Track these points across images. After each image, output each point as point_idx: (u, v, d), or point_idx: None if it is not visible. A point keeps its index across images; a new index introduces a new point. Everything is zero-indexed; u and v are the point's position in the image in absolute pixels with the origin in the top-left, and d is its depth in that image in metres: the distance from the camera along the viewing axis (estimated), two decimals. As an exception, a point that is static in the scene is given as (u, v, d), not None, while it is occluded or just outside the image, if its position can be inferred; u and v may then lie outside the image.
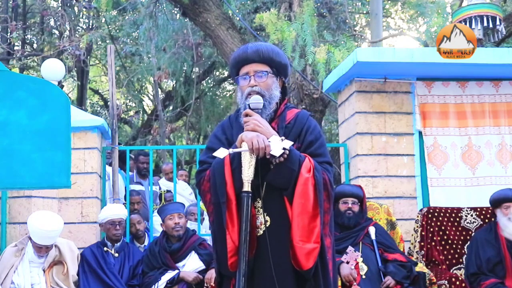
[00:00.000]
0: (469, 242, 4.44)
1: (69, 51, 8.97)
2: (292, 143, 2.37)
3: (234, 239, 2.34)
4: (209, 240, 4.64)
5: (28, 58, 11.67)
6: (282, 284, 2.32)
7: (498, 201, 4.29)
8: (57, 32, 11.13)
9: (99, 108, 14.34)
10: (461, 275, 4.27)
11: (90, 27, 11.54)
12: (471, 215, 4.58)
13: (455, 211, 4.59)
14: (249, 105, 2.45)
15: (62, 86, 11.96)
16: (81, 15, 11.78)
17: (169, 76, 10.16)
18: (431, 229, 4.48)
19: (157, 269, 4.30)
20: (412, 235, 4.60)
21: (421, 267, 4.08)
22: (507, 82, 5.09)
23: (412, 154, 4.94)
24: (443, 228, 4.51)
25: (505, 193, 4.30)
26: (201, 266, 4.33)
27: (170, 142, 14.16)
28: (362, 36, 9.68)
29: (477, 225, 4.54)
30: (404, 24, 12.42)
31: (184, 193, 6.88)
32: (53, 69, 5.47)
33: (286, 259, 2.34)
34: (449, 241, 4.49)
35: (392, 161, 4.91)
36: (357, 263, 3.93)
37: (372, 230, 4.09)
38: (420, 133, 4.97)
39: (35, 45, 12.78)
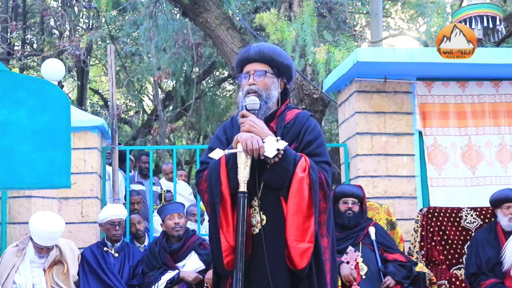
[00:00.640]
0: (469, 242, 4.44)
1: (69, 51, 8.97)
2: (286, 143, 2.38)
3: (228, 238, 2.35)
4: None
5: (28, 58, 11.67)
6: (276, 283, 2.33)
7: (499, 201, 4.29)
8: (57, 32, 11.13)
9: (99, 108, 14.34)
10: (461, 275, 4.27)
11: (90, 27, 11.54)
12: (471, 215, 4.58)
13: (455, 211, 4.59)
14: (245, 106, 2.47)
15: (62, 86, 11.96)
16: (81, 15, 11.77)
17: (169, 76, 10.16)
18: (431, 229, 4.48)
19: (157, 269, 4.30)
20: (412, 235, 4.60)
21: (421, 267, 4.08)
22: (507, 82, 5.09)
23: (412, 154, 4.94)
24: (443, 228, 4.51)
25: (506, 193, 4.29)
26: (201, 266, 4.32)
27: (170, 142, 14.16)
28: (362, 36, 9.68)
29: (477, 225, 4.54)
30: (404, 24, 12.43)
31: (184, 193, 6.89)
32: (53, 69, 5.47)
33: (281, 258, 2.35)
34: (449, 241, 4.49)
35: (392, 161, 4.91)
36: (357, 263, 3.93)
37: (372, 230, 4.09)
38: (420, 133, 4.97)
39: (35, 45, 12.78)
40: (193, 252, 4.39)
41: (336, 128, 10.05)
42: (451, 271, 4.38)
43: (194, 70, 11.88)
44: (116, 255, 4.43)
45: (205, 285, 4.16)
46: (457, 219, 4.56)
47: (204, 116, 12.50)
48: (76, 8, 11.18)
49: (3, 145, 2.95)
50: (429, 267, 4.30)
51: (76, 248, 4.39)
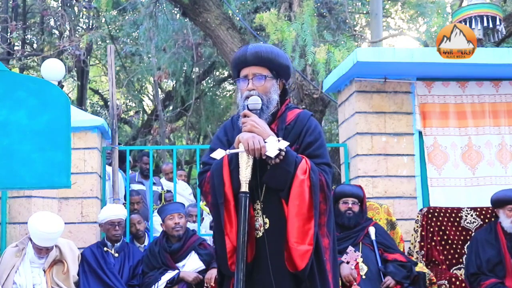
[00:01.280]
0: (469, 242, 4.43)
1: (69, 51, 8.97)
2: (288, 143, 2.37)
3: (232, 239, 2.36)
4: (209, 240, 4.65)
5: (28, 58, 11.67)
6: (280, 286, 2.33)
7: (502, 202, 4.27)
8: (57, 32, 11.13)
9: (99, 108, 14.34)
10: (461, 275, 4.26)
11: (90, 27, 11.54)
12: (471, 215, 4.57)
13: (455, 211, 4.59)
14: (247, 106, 2.46)
15: (62, 86, 11.96)
16: (81, 15, 11.77)
17: (169, 76, 10.16)
18: (431, 229, 4.48)
19: (157, 269, 4.30)
20: (412, 235, 4.60)
21: (421, 267, 4.08)
22: (507, 82, 5.09)
23: (412, 154, 4.94)
24: (443, 228, 4.51)
25: (510, 194, 4.28)
26: (201, 266, 4.32)
27: (170, 142, 14.16)
28: (362, 36, 9.68)
29: (477, 225, 4.54)
30: (404, 24, 12.42)
31: (184, 193, 6.88)
32: (53, 69, 5.47)
33: (284, 261, 2.35)
34: (449, 241, 4.49)
35: (392, 161, 4.91)
36: (357, 263, 3.93)
37: (372, 230, 4.09)
38: (420, 133, 4.97)
39: (35, 45, 12.78)
40: (193, 252, 4.39)
41: (336, 128, 10.05)
42: (451, 271, 4.38)
43: (194, 70, 11.88)
44: (116, 255, 4.43)
45: (205, 285, 4.16)
46: (457, 219, 4.56)
47: (204, 116, 12.49)
48: (76, 8, 11.18)
49: (3, 145, 2.95)
50: (429, 267, 4.30)
51: (76, 248, 4.39)
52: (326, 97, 7.09)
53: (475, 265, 4.21)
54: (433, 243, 4.45)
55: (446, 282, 4.00)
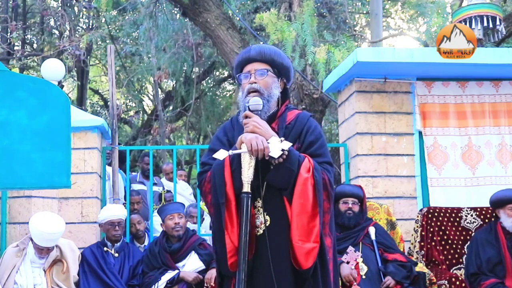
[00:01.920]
0: (469, 242, 4.43)
1: (69, 51, 8.96)
2: (291, 144, 2.38)
3: (233, 239, 2.36)
4: (209, 240, 4.65)
5: (28, 58, 11.67)
6: (281, 284, 2.34)
7: (502, 202, 4.26)
8: (57, 32, 11.13)
9: (99, 108, 14.34)
10: (461, 275, 4.26)
11: (90, 27, 11.54)
12: (471, 215, 4.57)
13: (455, 211, 4.59)
14: (248, 106, 2.46)
15: (62, 86, 11.96)
16: (81, 15, 11.77)
17: (169, 76, 10.16)
18: (431, 229, 4.48)
19: (157, 269, 4.30)
20: (412, 235, 4.60)
21: (421, 267, 4.08)
22: (507, 82, 5.09)
23: (412, 154, 4.94)
24: (443, 228, 4.51)
25: (509, 194, 4.28)
26: (201, 266, 4.32)
27: (170, 142, 14.15)
28: (362, 36, 9.68)
29: (477, 225, 4.54)
30: (404, 24, 12.42)
31: (185, 193, 6.89)
32: (53, 69, 5.47)
33: (286, 258, 2.35)
34: (449, 241, 4.49)
35: (392, 161, 4.91)
36: (357, 263, 3.93)
37: (372, 230, 4.09)
38: (420, 133, 4.97)
39: (35, 45, 12.78)
40: (193, 252, 4.39)
41: (336, 128, 10.05)
42: (451, 271, 4.38)
43: (194, 70, 11.88)
44: (116, 255, 4.43)
45: (205, 285, 4.16)
46: (457, 219, 4.56)
47: (204, 116, 12.49)
48: (76, 8, 11.18)
49: (3, 145, 2.95)
50: (429, 267, 4.30)
51: (77, 248, 4.39)
52: (326, 97, 7.09)
53: (475, 265, 4.21)
54: (433, 243, 4.45)
55: (446, 282, 4.00)
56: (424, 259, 4.40)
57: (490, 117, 5.03)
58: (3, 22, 10.00)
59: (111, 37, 11.29)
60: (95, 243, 4.55)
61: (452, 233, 4.51)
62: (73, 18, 10.54)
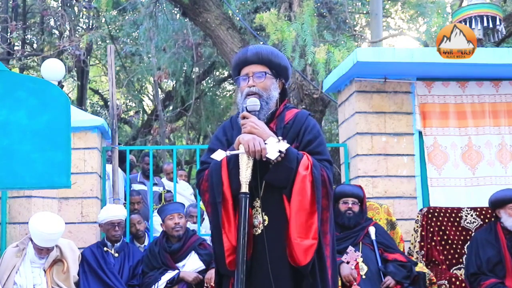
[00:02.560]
0: (469, 242, 4.43)
1: (69, 51, 8.97)
2: (288, 145, 2.38)
3: (230, 238, 2.36)
4: (209, 240, 4.64)
5: (28, 58, 11.67)
6: (279, 282, 2.34)
7: (502, 202, 4.26)
8: (57, 32, 11.12)
9: (99, 108, 14.34)
10: (461, 275, 4.26)
11: (90, 27, 11.54)
12: (471, 215, 4.58)
13: (455, 211, 4.59)
14: (246, 107, 2.47)
15: (62, 86, 11.96)
16: (81, 15, 11.77)
17: (169, 76, 10.16)
18: (431, 229, 4.48)
19: (157, 269, 4.30)
20: (412, 235, 4.60)
21: (421, 267, 4.08)
22: (507, 82, 5.09)
23: (412, 154, 4.94)
24: (443, 228, 4.51)
25: (509, 194, 4.28)
26: (201, 266, 4.33)
27: (170, 142, 14.15)
28: (362, 36, 9.68)
29: (477, 225, 4.54)
30: (404, 24, 12.43)
31: (185, 193, 6.88)
32: (53, 69, 5.47)
33: (284, 257, 2.36)
34: (449, 241, 4.49)
35: (392, 161, 4.91)
36: (357, 263, 3.93)
37: (372, 230, 4.09)
38: (420, 133, 4.97)
39: (35, 45, 12.78)
40: (193, 252, 4.39)
41: (336, 128, 10.05)
42: (451, 271, 4.38)
43: (194, 70, 11.88)
44: (116, 255, 4.43)
45: (205, 285, 4.16)
46: (457, 219, 4.56)
47: (204, 116, 12.49)
48: (76, 8, 11.18)
49: (3, 145, 2.95)
50: (429, 267, 4.30)
51: (77, 248, 4.39)
52: (326, 97, 7.09)
53: (475, 265, 4.21)
54: (433, 243, 4.45)
55: (446, 282, 4.00)
56: (424, 259, 4.40)
57: (490, 117, 5.03)
58: (3, 22, 10.00)
59: (111, 37, 11.28)
60: (95, 243, 4.55)
61: (452, 233, 4.51)
62: (73, 18, 10.54)
